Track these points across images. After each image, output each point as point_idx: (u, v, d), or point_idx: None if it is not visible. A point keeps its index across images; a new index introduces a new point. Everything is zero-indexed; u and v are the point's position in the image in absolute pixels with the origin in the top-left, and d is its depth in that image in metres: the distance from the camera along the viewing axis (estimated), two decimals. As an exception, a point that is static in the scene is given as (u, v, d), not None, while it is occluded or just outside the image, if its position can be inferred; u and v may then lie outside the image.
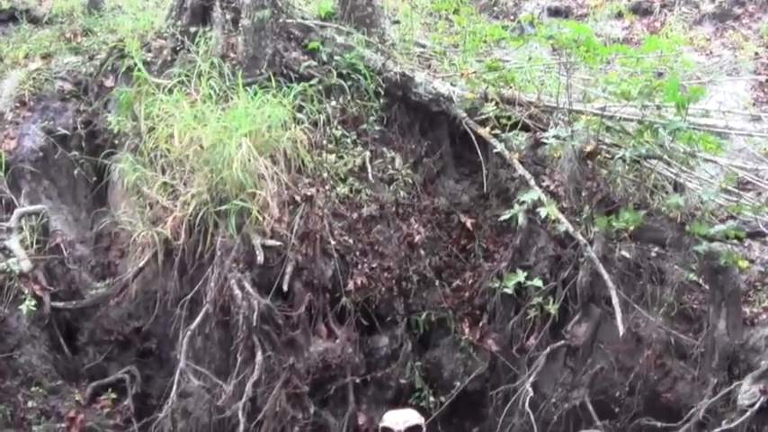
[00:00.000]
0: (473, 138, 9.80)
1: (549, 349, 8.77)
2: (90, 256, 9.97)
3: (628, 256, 9.39)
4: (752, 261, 9.76)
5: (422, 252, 9.62)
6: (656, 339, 9.35)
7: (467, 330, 9.60)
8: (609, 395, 9.29)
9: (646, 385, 9.28)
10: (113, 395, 8.95)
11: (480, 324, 9.67)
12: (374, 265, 9.18)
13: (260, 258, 8.25)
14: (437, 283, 9.63)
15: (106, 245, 10.01)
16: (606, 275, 8.23)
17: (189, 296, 8.74)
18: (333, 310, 9.03)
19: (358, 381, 8.98)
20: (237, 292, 8.37)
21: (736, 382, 8.25)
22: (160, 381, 9.27)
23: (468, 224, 10.02)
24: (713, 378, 8.54)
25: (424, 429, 6.25)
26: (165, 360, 9.40)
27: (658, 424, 8.44)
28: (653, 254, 9.98)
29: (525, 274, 8.86)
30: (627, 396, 9.12)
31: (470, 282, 9.79)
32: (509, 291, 8.86)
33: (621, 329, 7.89)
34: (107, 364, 9.43)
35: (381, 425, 6.21)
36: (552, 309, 8.63)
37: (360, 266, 9.11)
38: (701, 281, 9.96)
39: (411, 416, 6.24)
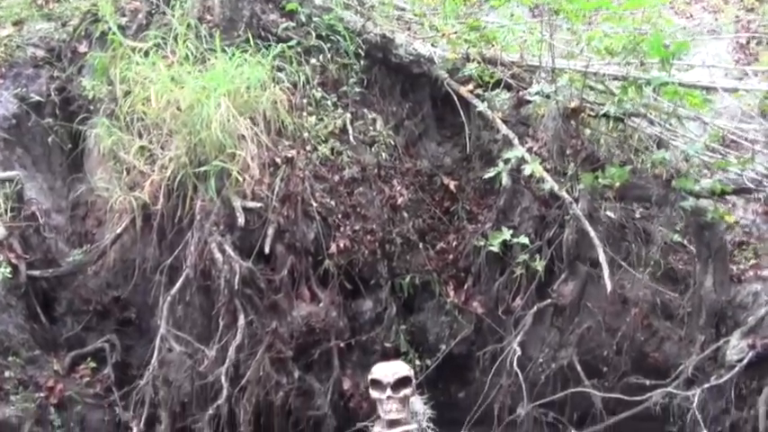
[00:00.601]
0: (455, 99, 9.67)
1: (535, 308, 8.69)
2: (66, 225, 9.68)
3: (612, 216, 9.27)
4: (735, 222, 9.69)
5: (405, 215, 9.48)
6: (641, 300, 9.35)
7: (451, 293, 9.50)
8: (596, 355, 9.24)
9: (632, 345, 9.25)
10: (93, 364, 8.73)
11: (465, 286, 9.56)
12: (357, 228, 9.02)
13: (241, 220, 8.06)
14: (421, 245, 9.51)
15: (83, 213, 9.72)
16: (593, 233, 8.14)
17: (168, 262, 8.53)
18: (316, 274, 8.85)
19: (342, 345, 8.82)
20: (218, 255, 8.18)
21: (724, 338, 8.11)
22: (140, 350, 9.02)
23: (452, 186, 9.89)
24: (701, 335, 8.53)
25: (414, 381, 6.06)
26: (145, 330, 9.17)
27: (647, 382, 8.31)
28: (637, 215, 9.93)
29: (511, 232, 8.65)
30: (614, 356, 9.01)
31: (454, 244, 9.67)
32: (495, 249, 8.73)
33: (609, 286, 7.81)
34: (85, 333, 9.18)
35: (370, 377, 6.03)
36: (539, 266, 8.50)
37: (342, 229, 8.95)
38: (685, 241, 9.95)
39: (400, 368, 6.05)
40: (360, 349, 9.17)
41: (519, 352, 8.19)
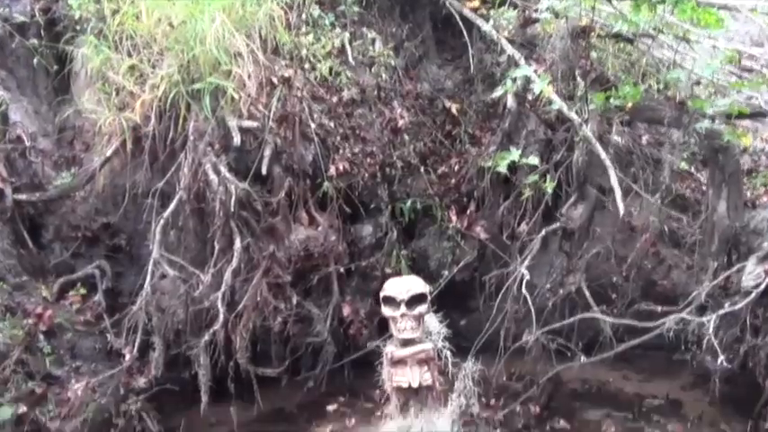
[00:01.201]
0: (457, 19, 9.35)
1: (544, 232, 8.37)
2: (53, 149, 9.26)
3: (620, 141, 8.92)
4: (744, 149, 9.41)
5: (405, 137, 9.18)
6: (649, 227, 9.09)
7: (454, 218, 9.25)
8: (604, 281, 9.01)
9: (640, 273, 9.06)
10: (83, 291, 8.39)
11: (468, 211, 9.31)
12: (356, 151, 8.72)
13: (236, 140, 7.66)
14: (422, 169, 9.22)
15: (70, 137, 9.34)
16: (603, 154, 7.80)
17: (160, 185, 8.15)
18: (314, 197, 8.53)
19: (342, 270, 8.60)
20: (213, 176, 7.78)
21: (738, 264, 7.81)
22: (131, 278, 8.66)
23: (453, 109, 9.59)
24: (713, 262, 8.19)
25: (429, 299, 5.71)
26: (136, 257, 8.84)
27: (658, 309, 7.99)
28: (644, 141, 9.63)
29: (519, 152, 8.30)
30: (623, 283, 8.81)
31: (456, 168, 9.40)
32: (502, 170, 8.31)
33: (621, 209, 7.48)
34: (74, 260, 8.84)
35: (382, 294, 5.68)
36: (549, 187, 8.11)
37: (341, 151, 8.62)
38: (692, 169, 9.65)
39: (415, 284, 5.68)
40: (359, 275, 8.92)
41: (528, 276, 7.80)
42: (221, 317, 7.55)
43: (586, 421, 8.06)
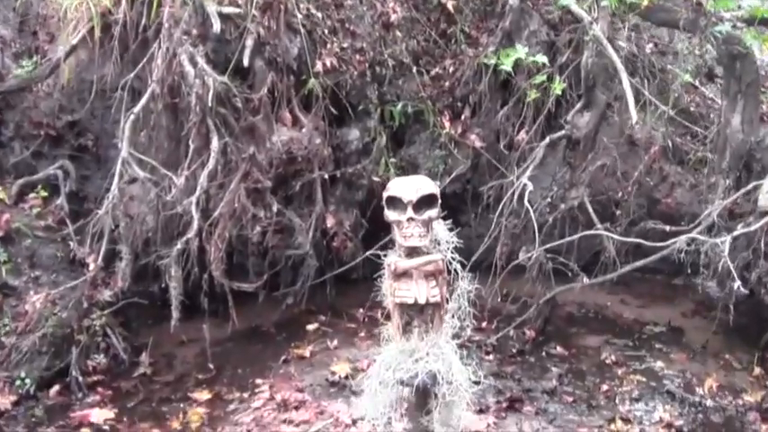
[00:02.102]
0: None
1: (548, 140, 7.67)
2: (14, 39, 8.50)
3: (624, 47, 8.23)
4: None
5: (398, 34, 8.46)
6: (652, 142, 8.64)
7: (447, 124, 8.58)
8: (604, 198, 8.47)
9: (642, 191, 8.58)
10: (44, 193, 7.68)
11: (462, 117, 8.65)
12: (345, 46, 8.01)
13: (216, 27, 6.91)
14: (414, 70, 8.52)
15: (33, 26, 8.57)
16: (615, 56, 7.12)
17: (131, 77, 7.43)
18: (298, 95, 7.82)
19: (326, 177, 7.97)
20: (189, 68, 7.03)
21: (753, 182, 7.17)
22: (98, 181, 8.01)
23: (449, 6, 8.83)
24: (724, 180, 7.58)
25: (440, 202, 5.01)
26: (104, 159, 8.20)
27: (667, 228, 7.38)
28: (648, 50, 9.04)
29: (526, 49, 7.56)
30: (627, 199, 8.15)
31: (451, 70, 8.69)
32: (506, 68, 7.62)
33: (634, 116, 6.84)
34: (36, 161, 8.16)
35: (386, 194, 4.95)
36: (557, 88, 7.40)
37: (329, 46, 7.90)
38: (697, 82, 9.00)
39: (424, 183, 4.92)
40: (345, 183, 8.25)
41: (530, 187, 7.14)
42: (195, 224, 6.82)
43: (584, 347, 7.58)
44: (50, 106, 8.22)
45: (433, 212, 4.97)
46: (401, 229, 4.94)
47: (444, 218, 5.37)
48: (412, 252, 5.02)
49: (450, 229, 5.28)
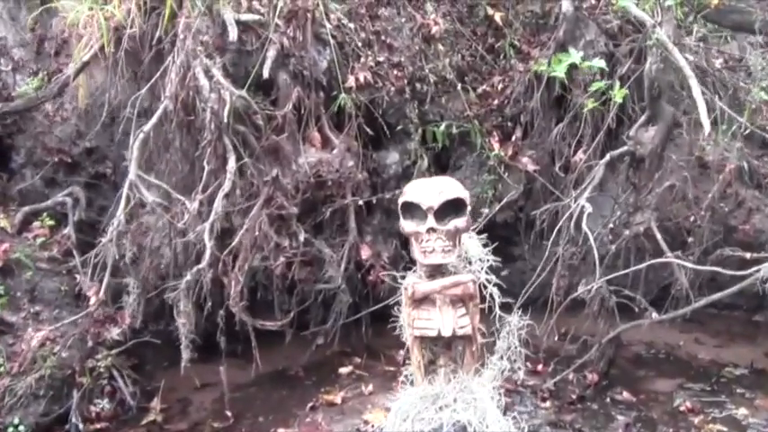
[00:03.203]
0: None
1: (608, 157, 6.80)
2: (30, 61, 8.23)
3: (691, 59, 7.41)
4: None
5: (440, 48, 7.83)
6: (724, 163, 7.77)
7: (496, 146, 7.86)
8: (677, 223, 7.64)
9: (715, 217, 7.68)
10: (50, 222, 7.17)
11: (513, 138, 7.95)
12: (381, 59, 7.39)
13: (233, 35, 6.34)
14: (459, 87, 7.83)
15: (53, 48, 8.22)
16: (682, 60, 6.28)
17: (143, 92, 6.84)
18: (328, 113, 7.18)
19: (361, 204, 7.27)
20: (204, 81, 6.43)
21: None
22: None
23: (497, 18, 8.17)
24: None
25: (469, 209, 4.18)
26: (121, 186, 7.41)
27: (747, 255, 6.55)
28: (718, 65, 8.27)
29: (581, 54, 6.75)
30: (698, 226, 7.42)
31: (500, 87, 8.02)
32: (559, 74, 6.78)
33: (707, 126, 5.95)
34: (49, 189, 7.87)
35: (402, 199, 4.13)
36: (618, 96, 6.53)
37: (362, 59, 7.28)
38: (773, 99, 8.15)
39: (449, 186, 4.09)
40: (382, 211, 7.55)
41: (590, 209, 6.28)
42: (208, 253, 6.11)
43: (654, 393, 6.73)
44: (66, 132, 7.92)
45: (461, 222, 4.14)
46: (420, 243, 4.12)
47: (495, 251, 4.58)
48: (435, 272, 4.19)
49: (485, 245, 4.47)
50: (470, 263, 4.42)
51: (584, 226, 6.17)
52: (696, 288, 6.78)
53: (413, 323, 4.18)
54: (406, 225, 4.15)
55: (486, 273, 4.32)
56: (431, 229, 4.05)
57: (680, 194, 7.45)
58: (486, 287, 4.30)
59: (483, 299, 4.27)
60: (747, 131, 7.47)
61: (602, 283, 6.26)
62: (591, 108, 7.04)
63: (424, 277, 4.21)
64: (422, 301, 4.15)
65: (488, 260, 4.35)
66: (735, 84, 8.09)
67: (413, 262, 4.41)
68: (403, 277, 4.39)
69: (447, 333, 4.10)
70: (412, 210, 4.13)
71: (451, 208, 4.11)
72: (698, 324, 7.65)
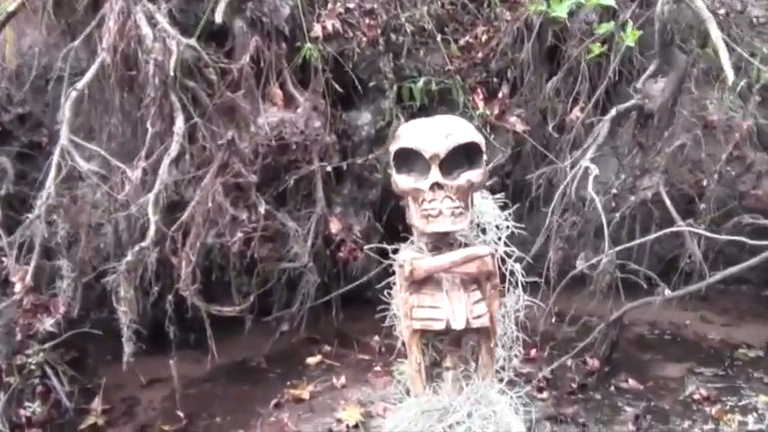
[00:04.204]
0: None
1: (614, 111, 6.01)
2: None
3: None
4: None
5: (418, -6, 7.10)
6: (731, 124, 7.16)
7: (481, 104, 7.16)
8: (681, 189, 6.95)
9: (721, 183, 7.04)
10: (-31, 203, 6.31)
11: (500, 95, 7.24)
12: (351, 6, 6.62)
13: (180, -24, 5.42)
14: (439, 38, 7.13)
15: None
16: (699, 1, 5.50)
17: (76, 44, 6.03)
18: (291, 67, 6.40)
19: (330, 170, 6.53)
20: (147, 30, 5.58)
21: None
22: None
23: (482, -39, 7.45)
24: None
25: (485, 157, 3.27)
26: (56, 154, 6.73)
27: (769, 222, 5.86)
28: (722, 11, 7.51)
29: (580, -8, 6.02)
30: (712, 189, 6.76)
31: (485, 38, 7.30)
32: (560, 14, 6.01)
33: (730, 76, 5.21)
34: None
35: (396, 146, 3.20)
36: (630, 38, 5.75)
37: (330, 5, 6.53)
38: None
39: (458, 126, 3.15)
40: (353, 178, 6.83)
41: (596, 171, 5.52)
42: (152, 230, 5.31)
43: (663, 379, 6.05)
44: (-6, 96, 7.00)
45: (475, 175, 3.26)
46: (421, 205, 3.23)
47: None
48: (440, 243, 3.32)
49: (504, 207, 3.64)
50: (484, 231, 3.57)
51: (590, 191, 5.45)
52: (709, 261, 6.17)
53: (411, 312, 3.30)
54: (402, 180, 3.26)
55: (506, 244, 3.49)
56: (436, 185, 3.17)
57: (689, 156, 6.71)
58: (504, 262, 3.46)
59: (502, 278, 3.44)
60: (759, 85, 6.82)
61: (611, 254, 5.49)
62: (590, 59, 6.33)
63: (426, 250, 3.34)
64: (424, 282, 3.29)
65: (508, 226, 3.51)
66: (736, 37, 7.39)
67: (408, 230, 3.54)
68: (395, 251, 3.53)
69: (459, 325, 3.23)
70: (410, 159, 3.25)
71: (463, 156, 3.24)
72: (703, 301, 6.99)
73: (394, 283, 3.53)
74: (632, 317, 6.38)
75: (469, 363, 3.49)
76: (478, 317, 3.27)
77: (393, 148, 3.26)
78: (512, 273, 3.55)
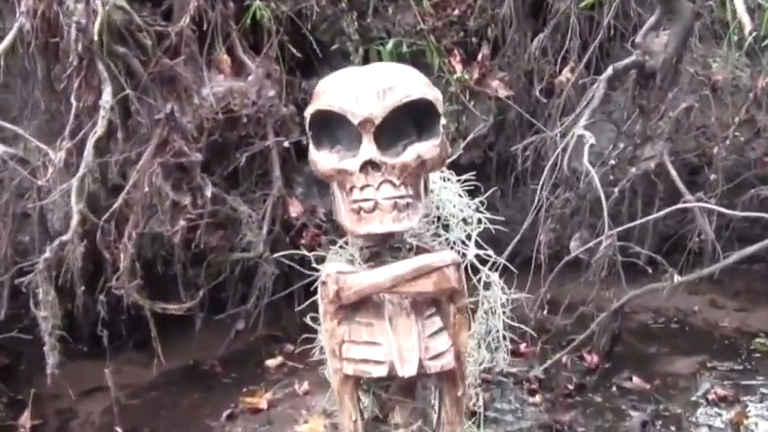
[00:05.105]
0: None
1: (611, 70, 5.33)
2: None
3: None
4: None
5: (384, -58, 6.54)
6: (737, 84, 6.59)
7: (458, 68, 6.57)
8: (684, 158, 6.32)
9: (729, 149, 6.38)
10: None
11: (479, 57, 6.63)
12: None
13: None
14: None
15: None
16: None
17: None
18: (240, 28, 5.79)
19: (287, 145, 5.87)
20: (69, -10, 4.95)
21: None
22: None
23: None
24: None
25: (443, 123, 2.45)
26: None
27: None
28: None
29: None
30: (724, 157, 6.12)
31: None
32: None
33: (747, 23, 4.57)
34: None
35: (314, 107, 2.33)
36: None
37: None
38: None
39: (401, 77, 2.25)
40: None
41: (591, 140, 4.84)
42: (75, 219, 4.63)
43: (673, 376, 5.41)
44: None
45: (429, 148, 2.43)
46: (350, 193, 2.40)
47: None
48: (380, 247, 2.54)
49: (474, 192, 2.88)
50: (446, 228, 2.80)
51: (585, 162, 4.81)
52: (722, 240, 5.53)
53: (340, 350, 2.48)
54: (322, 159, 2.44)
55: (478, 244, 2.73)
56: (370, 165, 2.33)
57: (694, 122, 6.08)
58: (476, 272, 2.70)
59: (470, 290, 2.65)
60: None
61: (612, 235, 4.85)
62: (580, 12, 5.70)
63: (359, 260, 2.56)
64: (357, 306, 2.47)
65: (480, 220, 2.74)
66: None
67: (337, 229, 2.76)
68: (320, 261, 2.74)
69: (409, 371, 2.39)
70: (332, 128, 2.42)
71: (409, 121, 2.44)
72: (712, 283, 6.24)
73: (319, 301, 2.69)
74: (633, 303, 5.72)
75: (428, 417, 2.67)
76: (437, 356, 2.37)
77: (309, 111, 2.44)
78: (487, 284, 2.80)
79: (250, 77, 5.69)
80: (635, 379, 5.33)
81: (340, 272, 2.39)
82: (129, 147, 5.18)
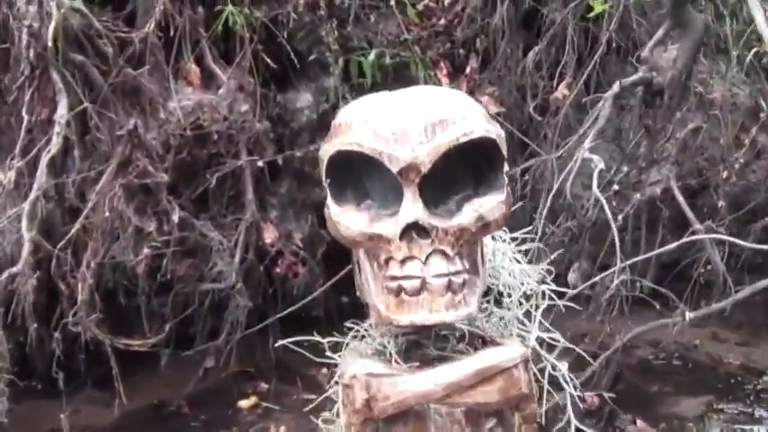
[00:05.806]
0: None
1: (617, 87, 4.93)
2: None
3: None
4: None
5: (365, -52, 6.20)
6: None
7: (445, 81, 6.23)
8: (688, 183, 5.93)
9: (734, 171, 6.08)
10: None
11: (467, 70, 6.31)
12: None
13: None
14: (393, 1, 6.21)
15: None
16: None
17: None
18: (211, 36, 5.39)
19: (262, 165, 5.50)
20: (20, -9, 4.61)
21: None
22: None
23: None
24: None
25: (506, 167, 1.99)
26: None
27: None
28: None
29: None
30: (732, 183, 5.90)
31: (448, 1, 6.44)
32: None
33: (765, 30, 4.16)
34: None
35: (333, 149, 1.86)
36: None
37: None
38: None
39: (456, 109, 1.86)
40: (291, 174, 5.79)
41: (600, 165, 4.46)
42: (26, 248, 4.19)
43: (679, 419, 5.06)
44: None
45: (493, 204, 1.93)
46: (386, 266, 1.87)
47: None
48: (424, 336, 2.03)
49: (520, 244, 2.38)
50: (500, 303, 2.30)
51: (594, 189, 4.39)
52: (734, 272, 5.28)
53: None
54: (346, 219, 1.95)
55: (543, 326, 2.25)
56: (414, 228, 1.86)
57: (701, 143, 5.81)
58: (541, 360, 2.23)
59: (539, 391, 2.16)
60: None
61: (622, 268, 4.50)
62: (577, 24, 5.33)
63: (393, 351, 2.06)
64: (394, 418, 2.00)
65: (544, 292, 2.26)
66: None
67: (360, 310, 2.24)
68: (335, 348, 2.21)
69: None
70: (359, 174, 1.96)
71: (465, 167, 1.97)
72: (713, 315, 5.95)
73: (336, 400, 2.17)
74: (632, 337, 5.30)
75: None
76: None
77: (327, 151, 1.92)
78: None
79: (221, 90, 5.33)
80: (638, 422, 4.98)
81: (371, 374, 1.86)
82: (88, 166, 4.81)
